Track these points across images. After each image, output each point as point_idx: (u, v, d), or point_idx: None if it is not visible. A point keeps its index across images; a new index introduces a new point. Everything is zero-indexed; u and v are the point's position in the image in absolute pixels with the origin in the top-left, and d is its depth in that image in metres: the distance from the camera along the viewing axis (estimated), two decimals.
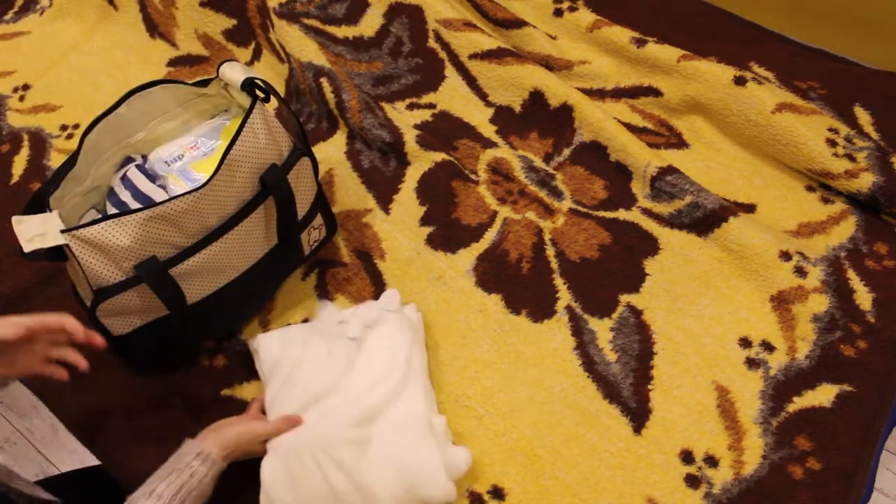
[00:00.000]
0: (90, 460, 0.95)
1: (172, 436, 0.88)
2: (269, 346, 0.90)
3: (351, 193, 1.13)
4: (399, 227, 1.09)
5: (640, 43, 1.20)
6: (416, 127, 1.18)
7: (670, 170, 1.07)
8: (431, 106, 1.23)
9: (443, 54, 1.26)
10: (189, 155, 0.91)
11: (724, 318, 0.98)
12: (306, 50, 1.21)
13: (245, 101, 0.90)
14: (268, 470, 0.81)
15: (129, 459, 0.90)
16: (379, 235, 1.08)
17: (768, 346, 0.95)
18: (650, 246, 1.05)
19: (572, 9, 1.30)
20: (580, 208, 1.10)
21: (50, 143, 1.24)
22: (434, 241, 1.07)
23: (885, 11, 1.22)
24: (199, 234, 0.84)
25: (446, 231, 1.08)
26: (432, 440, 0.82)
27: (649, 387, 0.93)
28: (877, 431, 0.88)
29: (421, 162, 1.13)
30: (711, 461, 0.87)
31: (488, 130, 1.20)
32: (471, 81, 1.24)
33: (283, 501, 0.80)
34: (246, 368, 0.96)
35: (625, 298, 1.01)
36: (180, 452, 0.75)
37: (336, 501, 0.79)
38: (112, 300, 0.80)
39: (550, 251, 1.05)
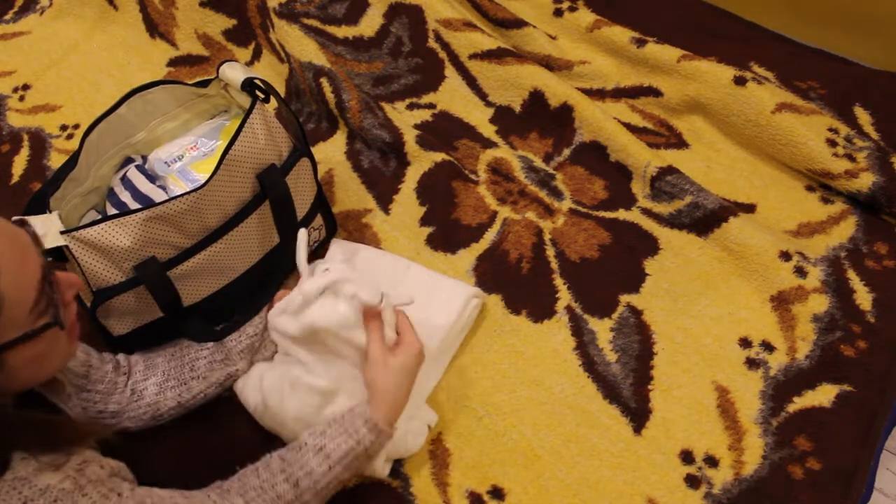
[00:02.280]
0: None
1: (171, 438, 0.88)
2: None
3: (351, 193, 1.13)
4: (399, 228, 1.09)
5: (640, 43, 1.20)
6: (416, 127, 1.18)
7: (670, 170, 1.07)
8: (431, 106, 1.23)
9: (443, 54, 1.26)
10: (189, 155, 0.91)
11: (724, 318, 0.98)
12: (306, 50, 1.21)
13: (245, 101, 0.90)
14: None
15: (128, 460, 0.90)
16: (379, 236, 1.08)
17: (768, 346, 0.95)
18: (650, 246, 1.05)
19: (572, 9, 1.30)
20: (580, 208, 1.10)
21: (50, 143, 1.24)
22: (434, 242, 1.07)
23: (885, 11, 1.22)
24: (199, 234, 0.84)
25: (446, 231, 1.08)
26: None
27: (649, 387, 0.93)
28: (877, 431, 0.88)
29: (421, 162, 1.13)
30: (711, 461, 0.87)
31: (488, 130, 1.20)
32: (471, 81, 1.24)
33: (250, 399, 0.86)
34: None
35: (625, 298, 1.01)
36: (354, 413, 0.76)
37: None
38: (112, 301, 0.80)
39: (550, 251, 1.05)
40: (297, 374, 0.81)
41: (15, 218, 0.73)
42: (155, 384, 0.83)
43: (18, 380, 0.58)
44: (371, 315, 0.79)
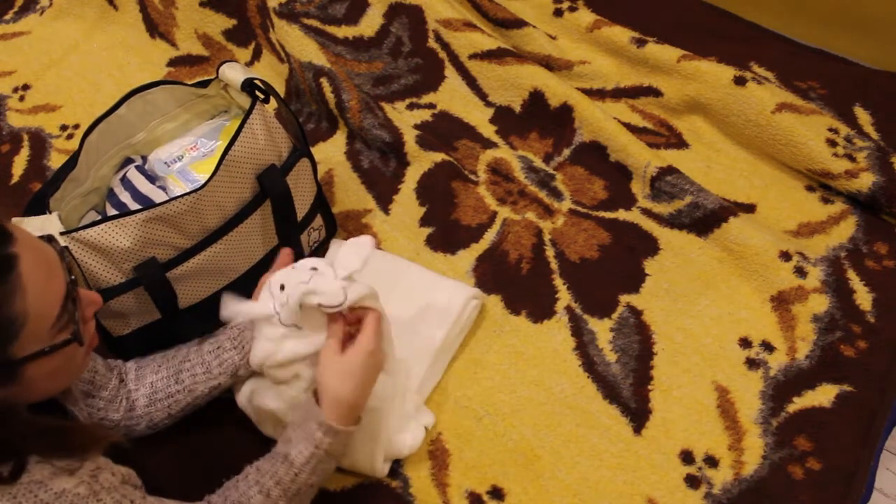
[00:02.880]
0: None
1: (171, 441, 0.88)
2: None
3: (351, 194, 1.13)
4: (399, 228, 1.09)
5: (640, 43, 1.20)
6: (416, 127, 1.18)
7: (670, 170, 1.07)
8: (431, 106, 1.23)
9: (443, 54, 1.25)
10: (189, 156, 0.91)
11: (724, 318, 0.98)
12: (306, 50, 1.21)
13: (245, 101, 0.90)
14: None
15: (128, 464, 0.90)
16: (379, 236, 1.08)
17: (768, 347, 0.95)
18: (650, 246, 1.05)
19: (572, 9, 1.30)
20: (580, 209, 1.10)
21: (50, 143, 1.24)
22: (433, 242, 1.07)
23: (885, 11, 1.22)
24: (198, 235, 0.84)
25: (446, 232, 1.08)
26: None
27: (649, 387, 0.93)
28: (877, 431, 0.88)
29: (421, 162, 1.13)
30: (711, 461, 0.87)
31: (488, 130, 1.20)
32: (471, 81, 1.24)
33: (246, 408, 0.85)
34: None
35: (625, 298, 1.01)
36: (310, 415, 0.74)
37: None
38: (112, 302, 0.80)
39: (550, 251, 1.05)
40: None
41: (39, 232, 0.73)
42: (144, 396, 0.84)
43: (35, 391, 0.59)
44: (333, 317, 0.76)
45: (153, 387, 0.84)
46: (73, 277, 0.60)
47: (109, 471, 0.63)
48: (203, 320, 0.90)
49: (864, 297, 0.97)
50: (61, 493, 0.57)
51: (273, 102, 0.88)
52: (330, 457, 0.73)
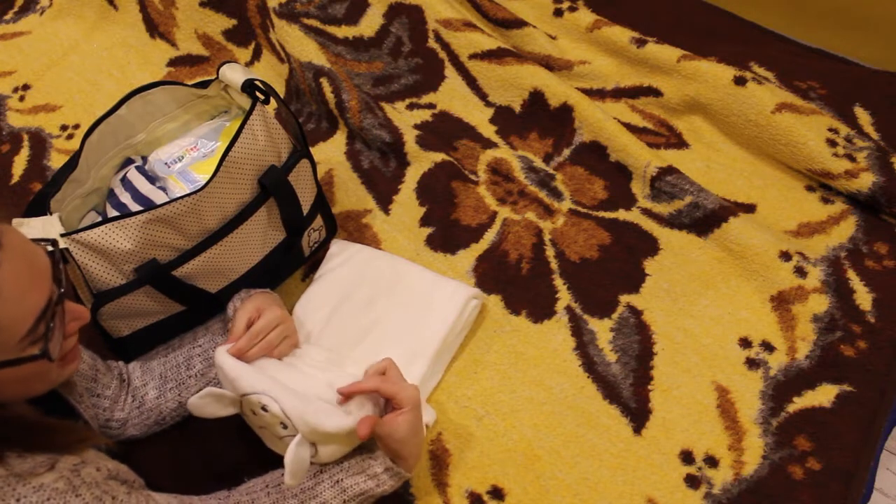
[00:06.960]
0: None
1: (174, 438, 0.88)
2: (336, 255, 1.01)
3: (351, 194, 1.13)
4: (399, 228, 1.09)
5: (640, 43, 1.20)
6: (416, 127, 1.18)
7: (670, 170, 1.07)
8: (431, 106, 1.23)
9: (443, 54, 1.26)
10: (189, 156, 0.91)
11: (724, 318, 0.98)
12: (306, 50, 1.21)
13: (245, 102, 0.90)
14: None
15: (126, 462, 0.90)
16: (379, 236, 1.08)
17: (768, 347, 0.95)
18: (650, 246, 1.05)
19: (572, 9, 1.30)
20: (580, 209, 1.10)
21: (50, 143, 1.24)
22: (434, 242, 1.07)
23: (885, 11, 1.22)
24: (199, 236, 0.84)
25: (446, 232, 1.08)
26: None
27: (649, 387, 0.93)
28: (877, 431, 0.88)
29: (421, 162, 1.13)
30: (711, 461, 0.87)
31: (488, 130, 1.20)
32: (471, 81, 1.24)
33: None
34: None
35: (625, 298, 1.01)
36: (374, 457, 0.74)
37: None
38: (113, 303, 0.80)
39: (550, 251, 1.05)
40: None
41: (36, 235, 0.73)
42: (154, 388, 0.84)
43: (2, 396, 0.58)
44: (350, 393, 0.75)
45: (162, 377, 0.84)
46: (62, 290, 0.59)
47: (95, 465, 0.62)
48: (206, 318, 0.91)
49: (864, 297, 0.97)
50: (39, 488, 0.56)
51: (273, 103, 0.89)
52: (378, 495, 0.74)
